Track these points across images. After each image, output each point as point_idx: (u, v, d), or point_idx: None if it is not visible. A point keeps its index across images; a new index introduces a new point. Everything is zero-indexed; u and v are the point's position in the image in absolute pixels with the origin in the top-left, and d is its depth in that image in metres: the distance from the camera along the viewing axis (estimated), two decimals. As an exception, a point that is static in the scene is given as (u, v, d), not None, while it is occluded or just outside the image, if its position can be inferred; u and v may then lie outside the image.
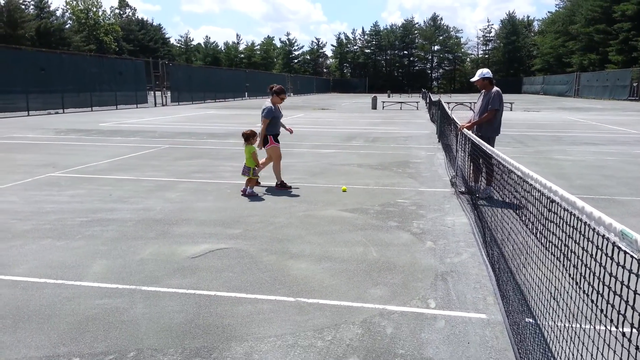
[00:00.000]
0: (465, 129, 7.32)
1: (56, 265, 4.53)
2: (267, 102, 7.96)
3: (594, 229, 2.08)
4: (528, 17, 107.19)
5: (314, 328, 3.41)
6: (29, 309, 3.65)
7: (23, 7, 70.85)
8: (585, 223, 2.18)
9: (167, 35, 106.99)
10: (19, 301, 3.78)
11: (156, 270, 4.43)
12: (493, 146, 7.27)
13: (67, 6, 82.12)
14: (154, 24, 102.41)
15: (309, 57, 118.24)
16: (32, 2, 76.38)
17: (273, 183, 8.09)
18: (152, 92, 39.06)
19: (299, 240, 5.33)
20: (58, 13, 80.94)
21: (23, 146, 13.15)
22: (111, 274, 4.34)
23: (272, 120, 7.87)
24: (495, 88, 7.21)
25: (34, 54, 28.82)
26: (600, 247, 2.04)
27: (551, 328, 3.00)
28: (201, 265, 4.58)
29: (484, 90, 7.33)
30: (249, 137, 7.68)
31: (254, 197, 7.38)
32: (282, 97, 8.03)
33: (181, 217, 6.20)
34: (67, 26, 78.84)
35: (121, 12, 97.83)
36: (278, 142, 8.00)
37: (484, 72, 7.33)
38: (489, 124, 7.24)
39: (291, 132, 8.62)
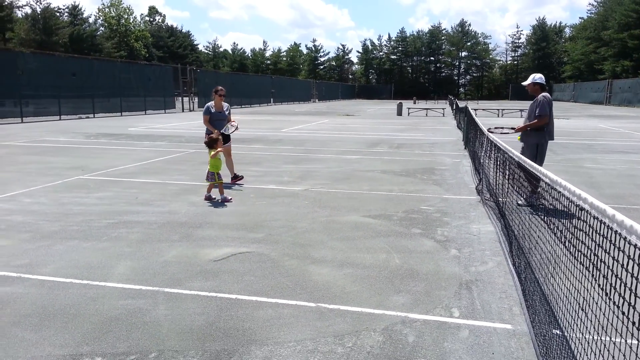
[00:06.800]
0: (521, 129, 7.16)
1: (82, 266, 4.61)
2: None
3: (625, 238, 2.00)
4: (560, 23, 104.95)
5: (334, 334, 3.37)
6: (54, 308, 3.71)
7: (58, 14, 72.99)
8: (616, 232, 2.10)
9: (195, 42, 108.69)
10: (45, 300, 3.86)
11: (179, 273, 4.47)
12: (544, 153, 7.06)
13: (100, 13, 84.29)
14: (183, 30, 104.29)
15: (334, 64, 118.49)
16: (67, 10, 78.66)
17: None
18: (180, 98, 39.68)
19: (321, 246, 5.30)
20: (91, 20, 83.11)
21: (54, 149, 13.49)
22: (135, 276, 4.39)
23: (210, 118, 8.69)
24: (543, 94, 6.97)
25: (66, 60, 29.62)
26: (632, 256, 1.96)
27: (579, 340, 2.90)
28: (223, 268, 4.60)
29: (535, 96, 7.13)
30: (211, 144, 7.57)
31: (229, 201, 7.28)
32: (218, 95, 8.76)
33: (205, 221, 6.25)
34: (99, 33, 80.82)
35: (151, 20, 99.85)
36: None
37: (536, 77, 7.14)
38: (536, 130, 7.00)
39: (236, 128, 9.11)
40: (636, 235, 1.90)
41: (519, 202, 5.26)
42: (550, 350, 3.02)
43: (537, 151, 6.98)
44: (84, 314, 3.62)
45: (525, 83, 7.25)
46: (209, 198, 7.38)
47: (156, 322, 3.52)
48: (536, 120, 6.89)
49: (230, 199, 7.40)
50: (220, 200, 7.30)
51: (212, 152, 7.47)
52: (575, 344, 3.00)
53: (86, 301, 3.85)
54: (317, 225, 6.13)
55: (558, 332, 3.20)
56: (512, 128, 7.51)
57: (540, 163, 7.02)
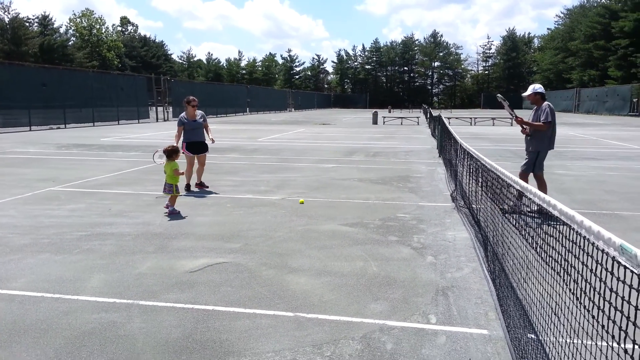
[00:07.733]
0: (521, 122, 7.25)
1: (54, 280, 4.50)
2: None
3: (593, 244, 2.06)
4: (529, 33, 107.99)
5: (312, 343, 3.37)
6: (25, 324, 3.61)
7: (27, 24, 71.61)
8: (584, 237, 2.16)
9: (169, 52, 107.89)
10: (15, 315, 3.75)
11: (154, 285, 4.40)
12: (542, 160, 7.25)
13: (71, 23, 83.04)
14: (156, 40, 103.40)
15: (310, 73, 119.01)
16: (36, 19, 77.24)
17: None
18: (154, 108, 39.26)
19: (299, 255, 5.30)
20: (62, 30, 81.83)
21: (24, 161, 13.17)
22: (109, 288, 4.31)
23: (184, 128, 8.91)
24: (547, 102, 7.17)
25: (36, 70, 29.02)
26: (600, 261, 2.02)
27: (553, 344, 2.96)
28: (199, 279, 4.55)
29: (535, 106, 7.30)
30: (170, 153, 7.37)
31: (176, 215, 7.02)
32: (190, 106, 8.97)
33: (180, 231, 6.18)
34: (70, 43, 79.55)
35: (123, 30, 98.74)
36: (190, 151, 8.89)
37: (536, 87, 7.35)
38: (539, 138, 7.16)
39: (212, 141, 9.28)
40: (603, 240, 1.96)
41: (502, 207, 5.35)
42: (525, 354, 3.08)
43: (536, 158, 7.18)
44: (56, 329, 3.53)
45: (525, 94, 7.44)
46: (172, 212, 7.08)
47: (131, 336, 3.45)
48: (541, 124, 7.04)
49: (178, 211, 7.10)
50: (167, 212, 7.06)
51: (168, 164, 7.26)
52: (549, 347, 3.06)
53: (58, 315, 3.76)
54: (295, 234, 6.13)
55: (533, 336, 3.26)
56: (517, 117, 7.57)
57: (538, 170, 7.22)
